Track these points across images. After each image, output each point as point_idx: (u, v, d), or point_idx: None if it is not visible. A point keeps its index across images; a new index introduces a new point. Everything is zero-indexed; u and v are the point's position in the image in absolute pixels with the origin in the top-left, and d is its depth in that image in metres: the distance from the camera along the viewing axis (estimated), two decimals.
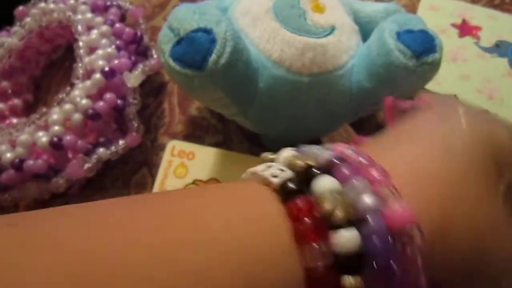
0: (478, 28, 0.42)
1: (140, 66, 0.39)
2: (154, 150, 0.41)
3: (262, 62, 0.33)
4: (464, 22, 0.43)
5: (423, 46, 0.32)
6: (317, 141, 0.39)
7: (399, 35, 0.32)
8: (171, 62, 0.29)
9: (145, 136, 0.41)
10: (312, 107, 0.34)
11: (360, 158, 0.19)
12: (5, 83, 0.42)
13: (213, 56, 0.29)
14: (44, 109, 0.37)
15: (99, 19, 0.41)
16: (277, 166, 0.20)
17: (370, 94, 0.34)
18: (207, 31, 0.29)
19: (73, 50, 0.43)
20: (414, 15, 0.35)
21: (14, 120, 0.41)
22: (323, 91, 0.34)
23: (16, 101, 0.43)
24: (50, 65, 0.47)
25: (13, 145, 0.36)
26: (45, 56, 0.46)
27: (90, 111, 0.37)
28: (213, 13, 0.30)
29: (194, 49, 0.29)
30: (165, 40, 0.30)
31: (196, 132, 0.41)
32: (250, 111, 0.34)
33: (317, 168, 0.19)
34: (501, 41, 0.42)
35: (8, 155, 0.36)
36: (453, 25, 0.43)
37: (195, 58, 0.29)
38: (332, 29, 0.34)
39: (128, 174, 0.41)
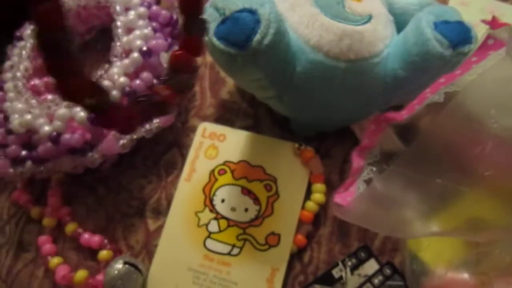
0: (507, 25, 0.43)
1: (176, 48, 0.40)
2: (184, 131, 0.42)
3: (300, 46, 0.33)
4: (494, 18, 0.44)
5: (460, 37, 0.33)
6: (347, 129, 0.40)
7: (436, 25, 0.33)
8: (215, 40, 0.30)
9: (176, 117, 0.41)
10: (346, 93, 0.35)
11: None
12: (40, 60, 0.43)
13: (257, 36, 0.30)
14: None
15: (136, 0, 0.42)
16: None
17: (403, 82, 0.35)
18: (252, 12, 0.30)
19: (106, 32, 0.44)
20: (450, 7, 0.36)
21: (49, 96, 0.42)
22: (358, 78, 0.34)
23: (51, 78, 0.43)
24: (84, 46, 0.47)
25: (50, 119, 0.37)
26: (80, 37, 0.46)
27: (127, 88, 0.38)
28: None
29: (239, 28, 0.30)
30: (210, 19, 0.31)
31: (226, 116, 0.42)
32: (285, 94, 0.35)
33: None
34: None
35: (46, 128, 0.37)
36: (483, 21, 0.44)
37: (239, 37, 0.30)
38: (369, 18, 0.35)
39: (159, 154, 0.41)
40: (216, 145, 0.40)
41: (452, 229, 0.25)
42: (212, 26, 0.31)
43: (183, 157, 0.41)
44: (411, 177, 0.25)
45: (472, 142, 0.24)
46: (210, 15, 0.31)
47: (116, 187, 0.41)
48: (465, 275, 0.28)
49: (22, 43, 0.43)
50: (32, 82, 0.42)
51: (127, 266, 0.35)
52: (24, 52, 0.42)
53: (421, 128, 0.35)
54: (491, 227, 0.25)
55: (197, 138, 0.40)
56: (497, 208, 0.24)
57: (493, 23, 0.43)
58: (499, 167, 0.23)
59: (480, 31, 0.43)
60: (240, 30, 0.30)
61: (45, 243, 0.39)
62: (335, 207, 0.33)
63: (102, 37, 0.47)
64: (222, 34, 0.30)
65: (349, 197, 0.34)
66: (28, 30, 0.43)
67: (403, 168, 0.27)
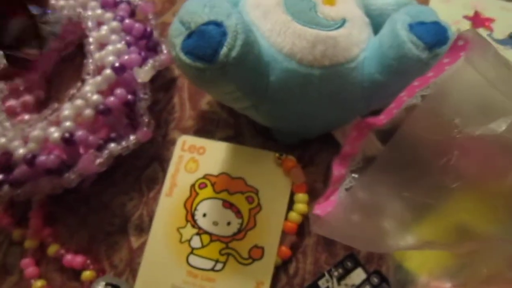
0: (491, 20, 0.42)
1: (150, 62, 0.39)
2: (165, 145, 0.41)
3: (273, 55, 0.33)
4: (476, 14, 0.42)
5: (436, 38, 0.32)
6: (329, 135, 0.39)
7: (412, 27, 0.32)
8: (182, 55, 0.29)
9: (156, 131, 0.41)
10: (324, 100, 0.34)
11: None
12: (17, 80, 0.43)
13: (224, 49, 0.29)
14: (56, 105, 0.37)
15: (109, 14, 0.41)
16: None
17: (382, 86, 0.34)
18: (217, 24, 0.29)
19: (83, 46, 0.43)
20: (426, 7, 0.35)
21: (26, 117, 0.41)
22: (334, 84, 0.34)
23: (28, 98, 0.43)
24: (61, 61, 0.47)
25: (25, 141, 0.37)
26: (57, 53, 0.46)
27: (101, 106, 0.37)
28: (223, 6, 0.30)
29: (205, 42, 0.29)
30: (176, 34, 0.30)
31: (206, 127, 0.41)
32: (261, 104, 0.34)
33: None
34: None
35: (21, 150, 0.36)
36: (466, 17, 0.42)
37: (206, 51, 0.29)
38: (343, 22, 0.34)
39: (139, 169, 0.41)
40: (196, 158, 0.39)
41: (426, 242, 0.25)
42: (178, 41, 0.30)
43: (164, 171, 0.40)
44: (383, 189, 0.24)
45: (437, 152, 0.23)
46: (176, 29, 0.30)
47: (97, 206, 0.40)
48: (447, 285, 0.27)
49: None
50: (8, 103, 0.41)
51: (109, 287, 0.35)
52: None
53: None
54: (468, 238, 0.24)
55: (176, 151, 0.40)
56: (473, 218, 0.23)
57: (476, 18, 0.42)
58: (466, 178, 0.22)
59: (463, 28, 0.42)
60: (206, 44, 0.29)
61: (28, 266, 0.38)
62: (313, 219, 0.32)
63: (80, 52, 0.46)
64: (189, 48, 0.29)
65: (329, 207, 0.33)
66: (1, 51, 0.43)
67: (379, 175, 0.26)
